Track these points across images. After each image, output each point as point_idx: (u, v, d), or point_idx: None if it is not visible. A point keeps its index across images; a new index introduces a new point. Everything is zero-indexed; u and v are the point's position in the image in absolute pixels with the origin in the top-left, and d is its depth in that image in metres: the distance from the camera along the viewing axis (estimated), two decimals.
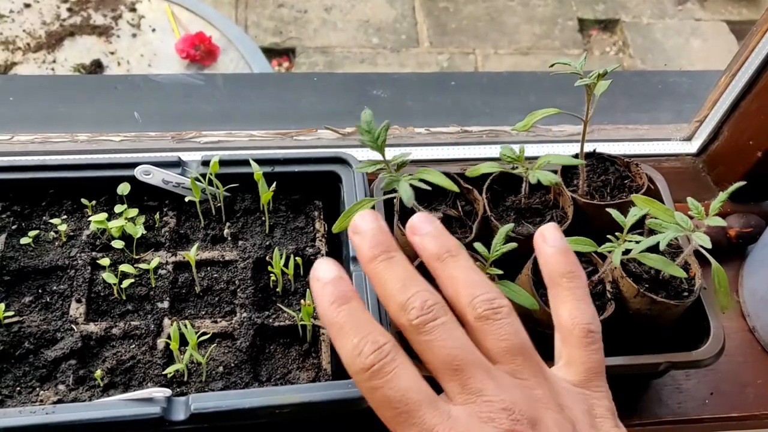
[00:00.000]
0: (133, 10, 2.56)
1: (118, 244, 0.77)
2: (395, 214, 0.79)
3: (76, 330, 0.73)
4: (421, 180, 0.66)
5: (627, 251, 0.67)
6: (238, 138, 0.95)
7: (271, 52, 3.15)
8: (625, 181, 0.85)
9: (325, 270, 0.51)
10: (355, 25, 3.32)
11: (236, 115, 1.04)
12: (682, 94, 1.25)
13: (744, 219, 0.98)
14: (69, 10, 2.60)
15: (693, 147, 1.02)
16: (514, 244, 0.67)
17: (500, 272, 0.66)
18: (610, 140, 1.00)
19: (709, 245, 0.63)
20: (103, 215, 0.78)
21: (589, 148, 0.87)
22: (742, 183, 0.67)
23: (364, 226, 0.53)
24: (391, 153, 0.84)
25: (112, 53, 2.45)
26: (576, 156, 0.84)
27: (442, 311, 0.49)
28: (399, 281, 0.51)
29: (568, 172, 0.85)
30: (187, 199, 0.81)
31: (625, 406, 0.85)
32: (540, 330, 0.74)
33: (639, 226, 0.75)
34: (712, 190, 1.01)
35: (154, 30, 2.49)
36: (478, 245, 0.67)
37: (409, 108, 1.19)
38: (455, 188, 0.66)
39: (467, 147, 0.96)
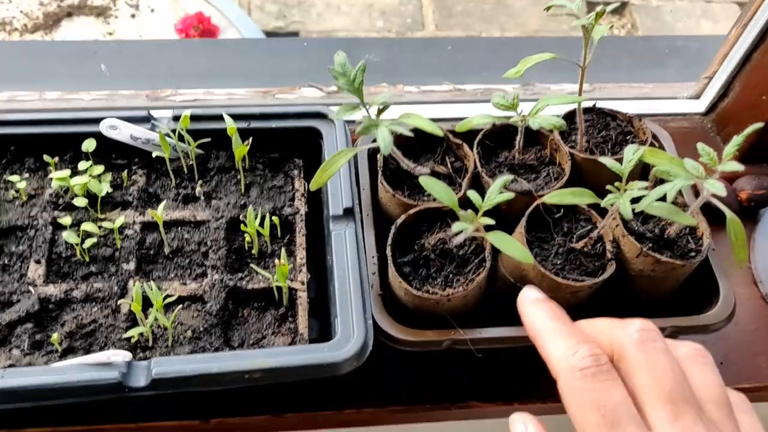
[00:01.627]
0: None
1: (80, 201, 0.72)
2: (379, 171, 0.73)
3: (33, 292, 0.68)
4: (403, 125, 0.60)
5: (635, 201, 0.61)
6: (216, 96, 0.90)
7: (274, 36, 3.10)
8: (627, 137, 0.79)
9: (532, 293, 0.59)
10: (359, 9, 3.26)
11: (216, 76, 0.98)
12: (690, 55, 1.18)
13: (756, 181, 0.92)
14: None
15: (701, 105, 0.96)
16: (510, 194, 0.61)
17: (492, 222, 0.60)
18: (612, 98, 0.94)
19: (723, 192, 0.57)
20: (66, 172, 0.73)
21: (589, 104, 0.81)
22: (760, 125, 0.61)
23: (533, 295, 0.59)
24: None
25: (110, 34, 2.41)
26: (573, 112, 0.78)
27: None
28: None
29: (565, 127, 0.79)
30: (154, 155, 0.75)
31: None
32: None
33: (642, 178, 0.69)
34: (721, 151, 0.95)
35: (152, 10, 2.44)
36: (471, 193, 0.61)
37: (402, 71, 1.13)
38: (440, 132, 0.60)
39: (460, 105, 0.91)
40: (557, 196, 0.62)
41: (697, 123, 0.96)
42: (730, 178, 0.94)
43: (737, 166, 0.58)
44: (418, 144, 0.78)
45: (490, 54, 1.24)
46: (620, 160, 0.68)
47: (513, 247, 0.59)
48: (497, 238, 0.59)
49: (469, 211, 0.60)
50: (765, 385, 0.80)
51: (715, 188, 0.57)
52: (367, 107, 0.60)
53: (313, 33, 3.12)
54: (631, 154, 0.61)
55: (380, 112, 0.60)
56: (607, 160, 0.62)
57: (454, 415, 0.77)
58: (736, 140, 0.59)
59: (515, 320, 0.68)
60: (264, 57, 1.18)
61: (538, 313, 0.56)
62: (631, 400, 0.48)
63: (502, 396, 0.77)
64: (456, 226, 0.60)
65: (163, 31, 2.35)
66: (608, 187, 0.61)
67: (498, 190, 0.59)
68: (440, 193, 0.60)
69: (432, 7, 3.31)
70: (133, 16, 2.42)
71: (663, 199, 0.61)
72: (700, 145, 0.61)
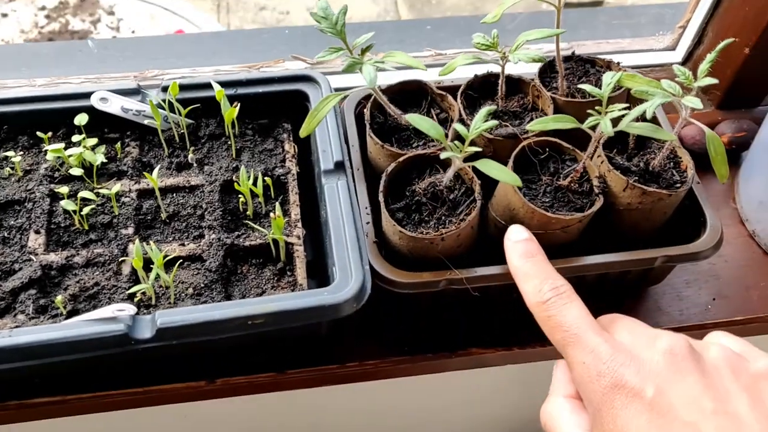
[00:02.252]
0: (111, 13, 2.54)
1: (76, 171, 0.74)
2: (366, 124, 0.75)
3: (35, 260, 0.69)
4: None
5: (617, 122, 0.62)
6: (203, 73, 0.92)
7: None
8: None
9: (516, 232, 0.63)
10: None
11: (202, 58, 1.00)
12: (664, 18, 1.21)
13: (736, 124, 0.94)
14: (47, 17, 2.58)
15: (678, 56, 0.98)
16: (494, 122, 0.63)
17: (479, 149, 0.62)
18: (590, 54, 0.96)
19: (700, 106, 0.59)
20: (61, 145, 0.74)
21: (568, 53, 0.83)
22: (731, 39, 0.63)
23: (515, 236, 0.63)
24: (357, 80, 0.80)
25: None
26: (553, 61, 0.80)
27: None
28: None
29: (546, 76, 0.81)
30: (147, 122, 0.77)
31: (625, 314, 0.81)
32: None
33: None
34: (700, 99, 0.97)
35: (133, 32, 2.46)
36: (457, 125, 0.63)
37: (384, 50, 1.15)
38: (422, 66, 0.62)
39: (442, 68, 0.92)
40: (540, 123, 0.64)
41: (674, 73, 0.98)
42: (710, 125, 0.96)
43: (712, 80, 0.60)
44: (403, 99, 0.80)
45: (469, 30, 1.26)
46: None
47: (501, 171, 0.60)
48: (485, 165, 0.60)
49: (456, 142, 0.61)
50: (758, 316, 0.81)
51: (692, 103, 0.59)
52: (350, 49, 0.62)
53: None
54: (610, 78, 0.62)
55: (363, 52, 0.62)
56: (587, 87, 0.64)
57: (455, 364, 0.78)
58: (710, 57, 0.61)
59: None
60: (248, 43, 1.20)
61: (515, 253, 0.62)
62: (588, 312, 0.55)
63: (501, 342, 0.78)
64: (444, 154, 0.61)
65: None
66: (589, 111, 0.63)
67: (483, 119, 0.61)
68: (426, 126, 0.61)
69: (410, 17, 3.34)
70: (114, 38, 2.44)
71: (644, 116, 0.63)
72: (675, 66, 0.63)
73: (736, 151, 0.94)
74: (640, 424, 0.48)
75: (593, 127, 0.64)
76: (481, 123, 0.61)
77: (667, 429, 0.47)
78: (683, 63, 0.99)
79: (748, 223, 0.90)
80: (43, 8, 2.58)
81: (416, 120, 0.62)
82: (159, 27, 2.44)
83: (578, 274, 0.71)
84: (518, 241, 0.62)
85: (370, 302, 0.66)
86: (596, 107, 0.63)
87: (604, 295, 0.81)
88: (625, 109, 0.63)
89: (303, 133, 0.65)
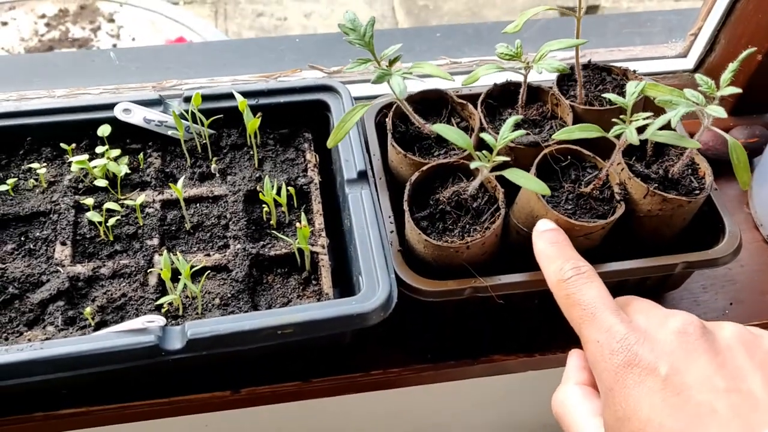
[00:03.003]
0: (111, 21, 2.54)
1: (101, 183, 0.74)
2: (388, 134, 0.76)
3: (62, 272, 0.69)
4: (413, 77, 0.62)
5: (641, 130, 0.63)
6: (221, 83, 0.92)
7: None
8: (624, 90, 0.82)
9: (544, 223, 0.66)
10: (335, 29, 3.30)
11: (218, 67, 1.01)
12: (672, 24, 1.22)
13: (748, 130, 0.95)
14: (47, 25, 2.58)
15: (689, 63, 0.99)
16: (522, 132, 0.64)
17: (507, 159, 0.62)
18: (604, 62, 0.97)
19: (724, 115, 0.60)
20: (85, 156, 0.75)
21: (583, 61, 0.84)
22: (753, 49, 0.64)
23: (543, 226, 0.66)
24: (375, 89, 0.81)
25: None
26: (572, 69, 0.81)
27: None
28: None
29: (563, 84, 0.82)
30: (170, 133, 0.77)
31: None
32: None
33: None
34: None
35: (134, 39, 2.46)
36: (485, 135, 0.64)
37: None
38: (450, 77, 0.63)
39: (457, 77, 0.93)
40: (565, 132, 0.64)
41: (687, 80, 0.99)
42: (723, 130, 0.97)
43: (735, 90, 0.61)
44: (424, 108, 0.80)
45: (478, 38, 1.27)
46: (620, 111, 0.70)
47: (528, 180, 0.61)
48: (513, 174, 0.61)
49: (484, 151, 0.62)
50: None
51: (715, 112, 0.60)
52: (378, 60, 0.63)
53: None
54: (634, 87, 0.63)
55: (391, 63, 0.62)
56: (612, 96, 0.65)
57: (477, 371, 0.79)
58: (732, 67, 0.62)
59: (532, 268, 0.71)
60: (260, 51, 1.20)
61: (541, 241, 0.64)
62: (608, 292, 0.56)
63: (524, 348, 0.79)
64: (474, 164, 0.62)
65: None
66: (614, 119, 0.64)
67: (510, 128, 0.62)
68: (454, 136, 0.62)
69: (407, 23, 3.36)
70: (114, 45, 2.43)
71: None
72: (698, 75, 0.63)
73: (749, 157, 0.95)
74: (654, 402, 0.48)
75: (617, 136, 0.64)
76: (508, 133, 0.62)
77: (680, 407, 0.47)
78: (695, 70, 1.00)
79: (762, 228, 0.90)
80: (43, 16, 2.59)
81: (443, 130, 0.63)
82: (159, 34, 2.45)
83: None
84: (545, 231, 0.64)
85: (394, 310, 0.66)
86: (620, 116, 0.64)
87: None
88: (648, 117, 0.63)
89: (331, 144, 0.66)
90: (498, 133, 0.76)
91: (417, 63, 0.63)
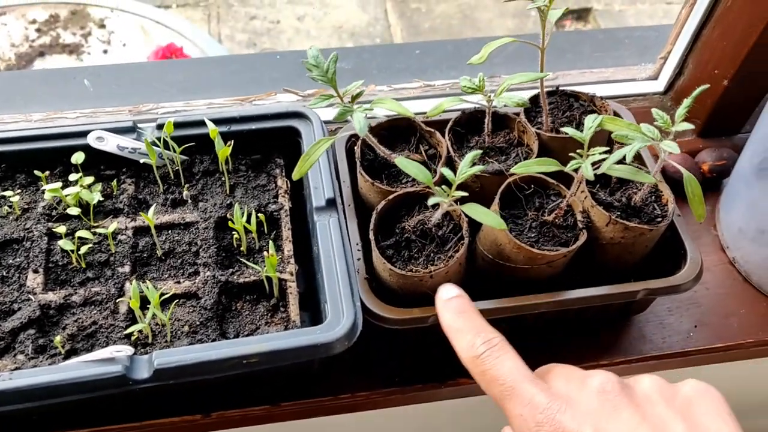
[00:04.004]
0: (102, 26, 2.54)
1: (74, 211, 0.75)
2: (357, 162, 0.77)
3: (33, 300, 0.70)
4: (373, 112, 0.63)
5: (597, 165, 0.65)
6: (196, 107, 0.93)
7: None
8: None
9: (447, 291, 0.64)
10: (328, 32, 3.30)
11: (195, 90, 1.02)
12: (648, 42, 1.24)
13: (716, 152, 0.96)
14: (38, 30, 2.58)
15: (660, 85, 1.01)
16: (480, 167, 0.65)
17: (465, 194, 0.64)
18: (574, 84, 0.98)
19: (677, 150, 0.62)
20: (58, 184, 0.76)
21: (552, 88, 0.86)
22: (705, 86, 0.65)
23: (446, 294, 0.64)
24: None
25: None
26: (533, 97, 0.83)
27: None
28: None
29: (531, 111, 0.84)
30: (142, 161, 0.79)
31: (609, 345, 0.83)
32: (510, 265, 0.72)
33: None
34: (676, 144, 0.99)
35: (125, 45, 2.47)
36: (444, 170, 0.65)
37: (374, 75, 1.18)
38: (410, 113, 0.64)
39: (430, 100, 0.95)
40: (523, 166, 0.66)
41: (657, 102, 1.01)
42: (692, 153, 0.99)
43: (688, 126, 0.63)
44: (393, 136, 0.82)
45: (457, 54, 1.28)
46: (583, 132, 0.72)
47: (486, 215, 0.62)
48: (471, 209, 0.62)
49: (444, 186, 0.64)
50: (737, 342, 0.84)
51: (670, 147, 0.62)
52: (341, 96, 0.64)
53: None
54: (591, 122, 0.65)
55: (354, 99, 0.64)
56: (570, 130, 0.66)
57: (444, 393, 0.80)
58: (686, 103, 0.63)
59: (496, 295, 0.72)
60: (239, 71, 1.21)
61: (447, 311, 0.63)
62: (522, 362, 0.56)
63: None
64: (432, 200, 0.63)
65: None
66: (571, 154, 0.65)
67: (469, 164, 0.63)
68: (414, 171, 0.64)
69: (400, 25, 3.37)
70: (105, 51, 2.44)
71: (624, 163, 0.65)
72: (654, 110, 0.65)
73: (717, 179, 0.97)
74: None
75: (576, 170, 0.66)
76: (467, 168, 0.64)
77: None
78: (665, 92, 1.01)
79: (728, 250, 0.92)
80: (33, 22, 2.59)
81: (404, 164, 0.65)
82: (150, 40, 2.45)
83: (563, 308, 0.73)
84: (450, 299, 0.64)
85: (362, 335, 0.68)
86: (578, 150, 0.66)
87: (589, 324, 0.83)
88: (606, 152, 0.65)
89: (296, 175, 0.67)
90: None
91: (379, 98, 0.64)
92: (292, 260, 0.75)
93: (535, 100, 0.83)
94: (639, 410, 0.51)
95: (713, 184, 0.97)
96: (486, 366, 0.56)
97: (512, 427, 0.54)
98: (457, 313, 0.62)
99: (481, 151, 0.68)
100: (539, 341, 0.82)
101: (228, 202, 0.79)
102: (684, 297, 0.87)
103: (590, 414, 0.51)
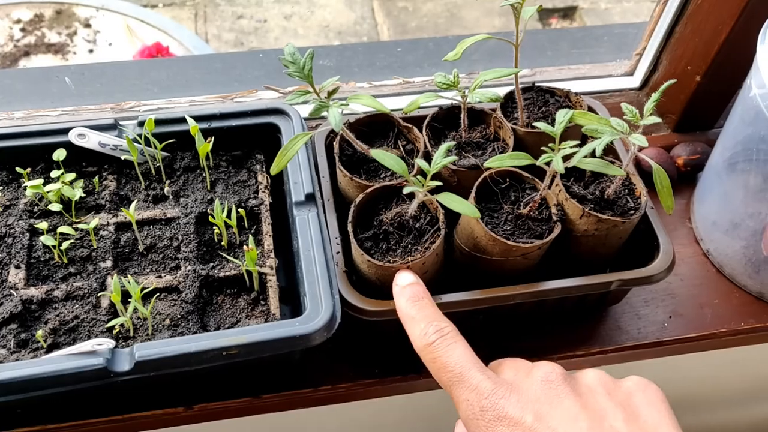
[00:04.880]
0: (87, 26, 2.54)
1: (55, 207, 0.76)
2: (335, 157, 0.78)
3: (15, 295, 0.71)
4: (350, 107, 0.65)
5: (567, 158, 0.66)
6: (178, 104, 0.94)
7: None
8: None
9: (404, 278, 0.67)
10: (315, 31, 3.31)
11: (177, 88, 1.03)
12: (626, 40, 1.25)
13: (690, 147, 0.98)
14: (22, 30, 2.57)
15: (635, 81, 1.03)
16: (453, 158, 0.66)
17: (440, 183, 0.65)
18: (552, 80, 1.00)
19: (645, 143, 0.63)
20: (39, 181, 0.77)
21: (532, 79, 0.87)
22: (672, 81, 0.67)
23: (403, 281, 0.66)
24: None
25: None
26: (509, 93, 0.84)
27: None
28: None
29: (507, 107, 0.85)
30: (123, 158, 0.80)
31: (586, 335, 0.85)
32: (486, 257, 0.73)
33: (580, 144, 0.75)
34: (657, 123, 1.01)
35: (110, 44, 2.46)
36: (419, 160, 0.66)
37: (355, 73, 1.19)
38: (385, 109, 0.65)
39: (410, 97, 0.96)
40: (497, 160, 0.67)
41: (633, 98, 1.03)
42: (667, 147, 1.00)
43: (656, 119, 0.64)
44: (371, 131, 0.83)
45: (438, 52, 1.29)
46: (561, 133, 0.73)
47: (460, 204, 0.64)
48: (446, 198, 0.64)
49: (419, 176, 0.65)
50: (710, 333, 0.86)
51: (638, 141, 0.63)
52: (317, 92, 0.65)
53: None
54: (562, 116, 0.66)
55: (330, 94, 0.65)
56: (542, 125, 0.68)
57: (423, 385, 0.82)
58: (654, 97, 0.65)
59: (474, 287, 0.74)
60: (222, 69, 1.22)
61: (402, 298, 0.65)
62: (472, 352, 0.59)
63: None
64: (407, 189, 0.65)
65: None
66: (543, 148, 0.67)
67: (443, 154, 0.64)
68: (390, 162, 0.65)
69: (387, 24, 3.38)
70: (91, 51, 2.44)
71: (594, 156, 0.67)
72: (624, 104, 0.67)
73: (692, 173, 0.99)
74: None
75: (548, 163, 0.67)
76: (441, 159, 0.65)
77: None
78: (641, 88, 1.03)
79: (702, 242, 0.94)
80: (18, 21, 2.58)
81: (381, 156, 0.66)
82: (136, 39, 2.45)
83: (538, 299, 0.74)
84: (405, 286, 0.66)
85: (342, 327, 0.69)
86: (550, 144, 0.67)
87: (566, 315, 0.85)
88: (576, 146, 0.66)
89: (274, 170, 0.68)
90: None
91: (355, 94, 0.65)
92: (272, 254, 0.76)
93: (511, 96, 0.85)
94: (580, 399, 0.54)
95: (688, 177, 0.99)
96: (437, 353, 0.59)
97: (459, 413, 0.57)
98: (412, 301, 0.64)
99: (454, 143, 0.70)
100: (516, 332, 0.83)
101: (209, 197, 0.80)
102: (659, 288, 0.89)
103: (533, 401, 0.54)
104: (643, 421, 0.53)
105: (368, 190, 0.74)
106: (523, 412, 0.53)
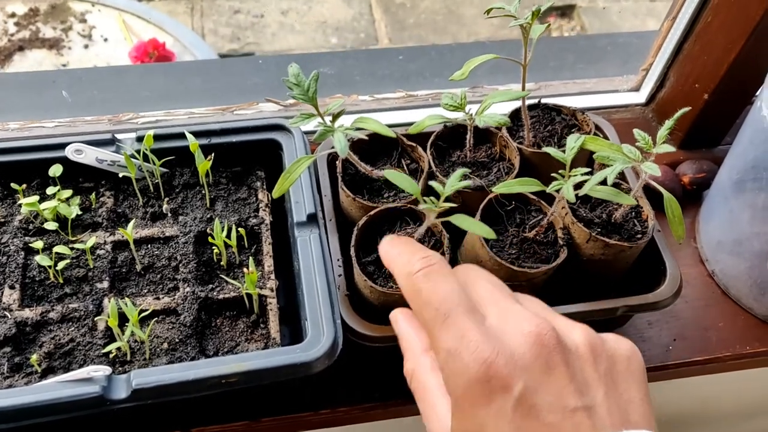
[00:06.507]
0: (83, 21, 2.51)
1: (51, 225, 0.74)
2: (338, 177, 0.77)
3: (9, 317, 0.69)
4: (358, 129, 0.63)
5: (579, 186, 0.65)
6: (176, 116, 0.93)
7: (229, 58, 3.11)
8: (572, 130, 0.84)
9: (390, 236, 0.60)
10: (312, 27, 3.29)
11: (176, 97, 1.01)
12: (631, 50, 1.24)
13: (696, 165, 0.97)
14: (17, 24, 2.55)
15: (641, 97, 1.01)
16: (469, 182, 0.64)
17: (454, 205, 0.64)
18: (557, 95, 0.99)
19: (658, 173, 0.62)
20: (35, 198, 0.75)
21: (534, 100, 0.86)
22: (687, 108, 0.66)
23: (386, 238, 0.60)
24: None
25: (64, 65, 2.40)
26: (515, 111, 0.83)
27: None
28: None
29: (513, 125, 0.84)
30: (121, 175, 0.78)
31: None
32: None
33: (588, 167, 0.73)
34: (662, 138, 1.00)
35: (106, 39, 2.44)
36: (433, 183, 0.64)
37: (356, 81, 1.17)
38: (392, 134, 0.64)
39: (413, 111, 0.94)
40: (505, 186, 0.66)
41: (639, 114, 1.01)
42: (672, 164, 0.99)
43: (669, 148, 0.63)
44: (375, 149, 0.81)
45: (440, 61, 1.28)
46: (565, 151, 0.72)
47: (475, 225, 0.62)
48: (460, 220, 0.62)
49: (432, 198, 0.63)
50: (715, 356, 0.85)
51: (650, 169, 0.62)
52: (322, 115, 0.64)
53: (268, 53, 3.14)
54: (573, 142, 0.65)
55: (335, 118, 0.63)
56: (551, 150, 0.66)
57: None
58: (667, 124, 0.64)
59: None
60: (221, 76, 1.21)
61: (387, 246, 0.58)
62: (460, 287, 0.51)
63: None
64: (421, 206, 0.63)
65: (117, 59, 2.35)
66: (553, 174, 0.66)
67: (458, 178, 0.62)
68: (403, 182, 0.63)
69: (384, 21, 3.36)
70: (86, 46, 2.41)
71: (605, 183, 0.65)
72: (636, 131, 0.65)
73: (698, 191, 0.97)
74: (500, 426, 0.46)
75: (558, 189, 0.66)
76: (456, 182, 0.63)
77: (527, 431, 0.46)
78: (647, 104, 1.02)
79: (707, 263, 0.93)
80: (12, 15, 2.56)
81: (393, 175, 0.64)
82: (132, 35, 2.43)
83: None
84: (391, 238, 0.60)
85: (344, 349, 0.67)
86: (560, 171, 0.66)
87: None
88: (587, 173, 0.65)
89: (276, 194, 0.67)
90: (445, 175, 0.78)
91: (361, 117, 0.64)
92: (273, 276, 0.75)
93: (516, 113, 0.83)
94: (569, 369, 0.48)
95: (694, 196, 0.98)
96: (421, 284, 0.51)
97: (437, 357, 0.50)
98: (397, 242, 0.58)
99: (468, 170, 0.68)
100: None
101: (208, 215, 0.78)
102: (664, 310, 0.87)
103: (522, 367, 0.47)
104: (619, 394, 0.48)
105: (372, 213, 0.73)
106: (512, 378, 0.46)
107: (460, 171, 0.66)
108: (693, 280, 0.91)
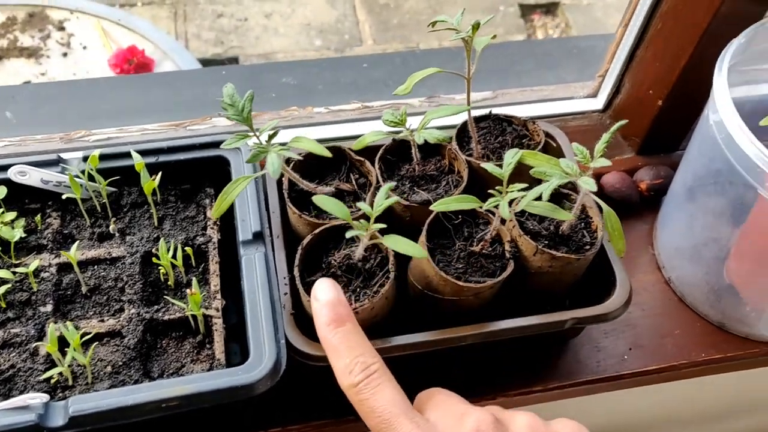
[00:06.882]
0: (61, 29, 2.50)
1: None
2: (285, 193, 0.76)
3: None
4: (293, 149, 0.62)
5: (514, 203, 0.64)
6: (129, 133, 0.92)
7: (213, 63, 3.10)
8: (523, 140, 0.83)
9: (324, 291, 0.61)
10: (296, 29, 3.28)
11: (131, 113, 1.00)
12: (594, 54, 1.24)
13: (654, 170, 0.97)
14: None
15: (598, 103, 1.01)
16: (396, 198, 0.64)
17: (383, 226, 0.63)
18: (514, 103, 0.98)
19: (594, 188, 0.62)
20: None
21: (486, 111, 0.85)
22: (624, 122, 0.65)
23: (322, 296, 0.61)
24: (288, 135, 0.81)
25: (42, 74, 2.38)
26: (465, 123, 0.82)
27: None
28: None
29: (463, 137, 0.83)
30: (64, 197, 0.77)
31: (544, 369, 0.83)
32: (438, 297, 0.72)
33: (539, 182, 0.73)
34: (621, 146, 1.00)
35: (85, 47, 2.42)
36: (361, 204, 0.64)
37: (318, 91, 1.16)
38: (327, 153, 0.63)
39: (368, 123, 0.94)
40: (442, 204, 0.66)
41: (597, 120, 1.01)
42: (631, 171, 0.99)
43: (605, 162, 0.62)
44: (324, 164, 0.81)
45: (404, 68, 1.27)
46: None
47: (407, 245, 0.62)
48: (391, 240, 0.62)
49: (362, 221, 0.63)
50: (671, 364, 0.84)
51: (587, 184, 0.62)
52: (257, 134, 0.63)
53: (252, 57, 3.13)
54: (510, 157, 0.64)
55: (270, 138, 0.63)
56: (488, 166, 0.66)
57: None
58: (605, 137, 0.63)
59: (429, 326, 0.72)
60: (183, 87, 1.20)
61: (323, 319, 0.60)
62: (401, 392, 0.56)
63: None
64: (349, 233, 0.63)
65: (96, 67, 2.34)
66: (490, 191, 0.65)
67: (384, 196, 0.62)
68: (332, 207, 0.63)
69: (369, 22, 3.35)
70: (65, 54, 2.40)
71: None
72: (574, 145, 0.65)
73: (655, 197, 0.97)
74: None
75: (495, 206, 0.66)
76: (382, 201, 0.63)
77: None
78: (604, 110, 1.01)
79: (664, 270, 0.93)
80: None
81: (321, 201, 0.64)
82: (111, 42, 2.41)
83: (490, 339, 0.73)
84: (326, 304, 0.61)
85: (292, 367, 0.67)
86: (497, 187, 0.65)
87: (523, 350, 0.83)
88: (526, 188, 0.65)
89: (215, 214, 0.67)
90: (394, 190, 0.77)
91: (296, 137, 0.63)
92: (219, 295, 0.74)
93: (465, 126, 0.83)
94: None
95: (651, 202, 0.98)
96: (363, 395, 0.56)
97: None
98: (334, 326, 0.59)
99: (395, 183, 0.68)
100: (472, 368, 0.82)
101: (156, 235, 0.78)
102: (620, 319, 0.87)
103: None
104: None
105: (316, 231, 0.72)
106: None
107: (384, 188, 0.65)
108: (650, 287, 0.91)
